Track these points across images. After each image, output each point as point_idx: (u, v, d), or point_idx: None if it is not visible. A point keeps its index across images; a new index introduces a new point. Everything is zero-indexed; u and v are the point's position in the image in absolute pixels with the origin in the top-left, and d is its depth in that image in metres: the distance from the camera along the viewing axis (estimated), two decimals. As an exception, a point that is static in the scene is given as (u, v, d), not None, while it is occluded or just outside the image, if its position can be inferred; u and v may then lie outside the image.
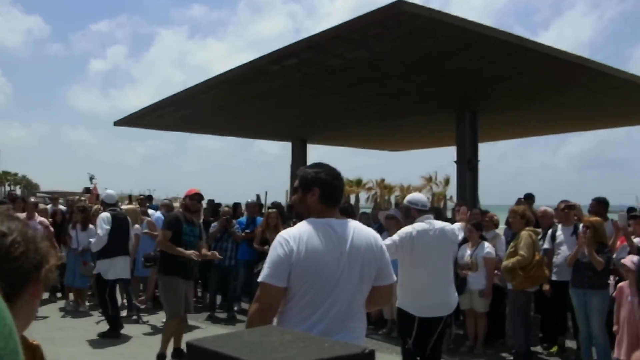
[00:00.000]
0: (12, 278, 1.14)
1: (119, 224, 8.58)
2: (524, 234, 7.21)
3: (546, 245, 7.65)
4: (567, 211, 7.59)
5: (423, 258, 5.21)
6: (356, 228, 2.93)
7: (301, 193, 2.99)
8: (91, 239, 9.08)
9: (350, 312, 2.86)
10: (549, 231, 7.76)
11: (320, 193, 2.93)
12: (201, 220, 10.12)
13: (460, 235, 5.81)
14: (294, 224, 3.01)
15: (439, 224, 5.39)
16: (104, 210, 8.90)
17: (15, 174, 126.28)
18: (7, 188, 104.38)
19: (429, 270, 5.25)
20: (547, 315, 7.86)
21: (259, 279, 2.81)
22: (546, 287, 7.47)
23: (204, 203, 10.20)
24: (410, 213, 5.41)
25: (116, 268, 8.47)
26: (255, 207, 11.09)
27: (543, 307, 7.86)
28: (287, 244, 2.78)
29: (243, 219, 10.61)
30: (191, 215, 7.13)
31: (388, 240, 5.19)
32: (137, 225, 9.64)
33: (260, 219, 10.28)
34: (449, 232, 5.39)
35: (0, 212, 1.25)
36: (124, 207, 10.38)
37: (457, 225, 5.78)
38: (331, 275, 2.78)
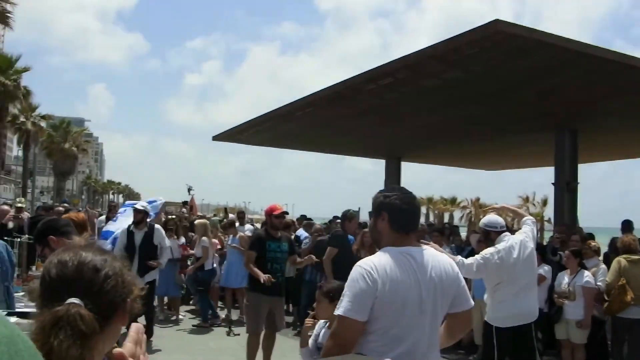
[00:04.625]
0: (105, 311, 1.27)
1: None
2: (614, 260, 7.43)
3: None
4: None
5: (509, 277, 5.30)
6: (433, 256, 2.79)
7: (373, 218, 2.87)
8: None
9: (432, 343, 2.75)
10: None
11: (389, 218, 2.78)
12: (293, 236, 10.31)
13: (532, 233, 5.60)
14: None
15: (517, 238, 5.43)
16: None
17: (119, 184, 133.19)
18: (111, 196, 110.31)
19: (515, 286, 5.34)
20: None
21: (338, 312, 2.64)
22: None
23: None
24: (490, 236, 5.49)
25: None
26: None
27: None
28: (370, 276, 2.61)
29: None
30: (276, 232, 7.13)
31: (470, 260, 5.31)
32: (204, 238, 10.05)
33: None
34: (528, 243, 5.41)
35: (90, 244, 1.38)
36: (196, 222, 11.01)
37: (527, 227, 5.60)
38: (414, 308, 2.64)
